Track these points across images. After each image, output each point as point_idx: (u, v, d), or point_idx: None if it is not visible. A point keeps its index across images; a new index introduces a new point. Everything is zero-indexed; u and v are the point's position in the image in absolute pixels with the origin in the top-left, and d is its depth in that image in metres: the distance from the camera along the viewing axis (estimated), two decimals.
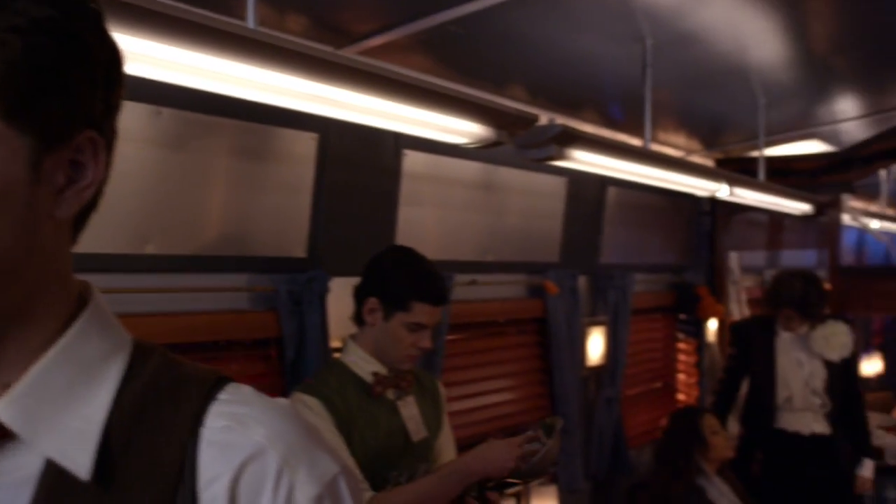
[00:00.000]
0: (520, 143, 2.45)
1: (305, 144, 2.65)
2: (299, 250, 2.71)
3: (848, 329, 4.32)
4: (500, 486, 2.42)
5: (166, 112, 2.27)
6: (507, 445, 2.31)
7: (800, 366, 4.32)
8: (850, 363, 4.35)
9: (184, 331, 2.43)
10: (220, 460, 0.72)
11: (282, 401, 0.80)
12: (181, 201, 2.38)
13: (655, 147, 4.54)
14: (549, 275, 3.75)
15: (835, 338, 4.27)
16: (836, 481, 4.36)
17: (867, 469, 4.34)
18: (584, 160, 2.70)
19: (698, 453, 3.90)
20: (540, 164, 3.03)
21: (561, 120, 3.59)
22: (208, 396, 0.75)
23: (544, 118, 2.63)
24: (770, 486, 4.28)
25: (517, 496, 3.47)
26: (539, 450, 2.29)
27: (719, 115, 4.73)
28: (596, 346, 4.14)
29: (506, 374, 3.82)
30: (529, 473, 2.31)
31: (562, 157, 2.53)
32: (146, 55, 1.50)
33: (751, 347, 4.36)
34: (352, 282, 2.36)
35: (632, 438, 4.57)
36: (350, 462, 2.10)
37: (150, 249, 2.33)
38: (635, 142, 3.56)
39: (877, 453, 4.71)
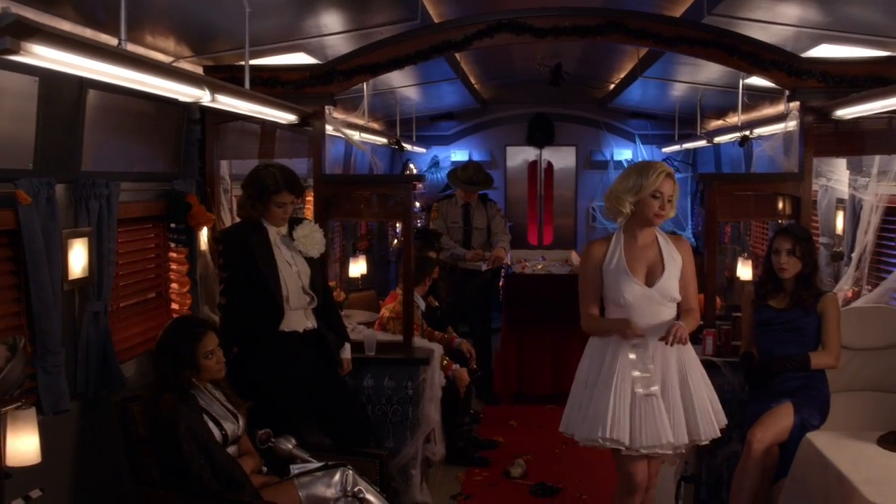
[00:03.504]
0: None
1: None
2: None
3: (318, 227, 4.73)
4: None
5: None
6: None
7: (291, 265, 4.56)
8: (323, 259, 4.81)
9: None
10: None
11: None
12: None
13: (140, 50, 4.37)
14: (20, 183, 3.45)
15: (314, 235, 4.62)
16: (328, 369, 4.76)
17: (347, 351, 4.91)
18: (45, 56, 2.48)
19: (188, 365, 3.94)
20: (4, 61, 2.76)
21: (33, 15, 3.28)
22: None
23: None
24: (270, 384, 4.46)
25: None
26: None
27: (207, 22, 4.67)
28: (79, 258, 3.92)
29: None
30: None
31: (18, 50, 2.30)
32: None
33: (248, 252, 4.47)
34: None
35: (124, 352, 4.44)
36: None
37: None
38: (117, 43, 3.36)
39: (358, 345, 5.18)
